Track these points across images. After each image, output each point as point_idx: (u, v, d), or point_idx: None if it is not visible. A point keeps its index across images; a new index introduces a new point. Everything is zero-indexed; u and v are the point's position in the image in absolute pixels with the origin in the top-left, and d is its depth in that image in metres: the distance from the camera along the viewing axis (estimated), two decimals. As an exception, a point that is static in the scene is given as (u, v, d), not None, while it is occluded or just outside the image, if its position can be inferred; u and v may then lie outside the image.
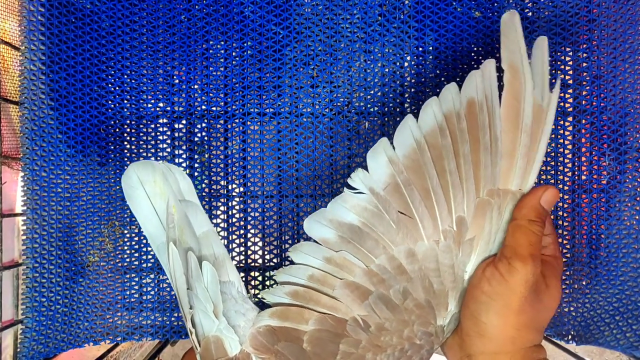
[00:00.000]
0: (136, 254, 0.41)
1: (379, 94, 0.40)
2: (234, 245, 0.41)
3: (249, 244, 0.41)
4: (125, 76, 0.40)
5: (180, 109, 0.40)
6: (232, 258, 0.41)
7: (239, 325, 0.32)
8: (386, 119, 0.40)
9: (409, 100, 0.40)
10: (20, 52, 0.37)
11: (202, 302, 0.31)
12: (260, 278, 0.41)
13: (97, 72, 0.39)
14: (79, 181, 0.39)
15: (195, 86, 0.40)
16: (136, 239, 0.41)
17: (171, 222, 0.31)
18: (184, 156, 0.41)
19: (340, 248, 0.31)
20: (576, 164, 0.40)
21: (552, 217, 0.40)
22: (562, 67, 0.39)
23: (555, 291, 0.31)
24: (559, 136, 0.39)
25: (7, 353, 0.37)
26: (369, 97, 0.40)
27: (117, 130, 0.40)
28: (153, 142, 0.41)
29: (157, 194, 0.32)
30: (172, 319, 0.41)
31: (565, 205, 0.40)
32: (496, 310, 0.29)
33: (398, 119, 0.40)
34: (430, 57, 0.40)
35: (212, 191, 0.41)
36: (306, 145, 0.40)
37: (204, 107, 0.40)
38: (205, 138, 0.41)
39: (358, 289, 0.31)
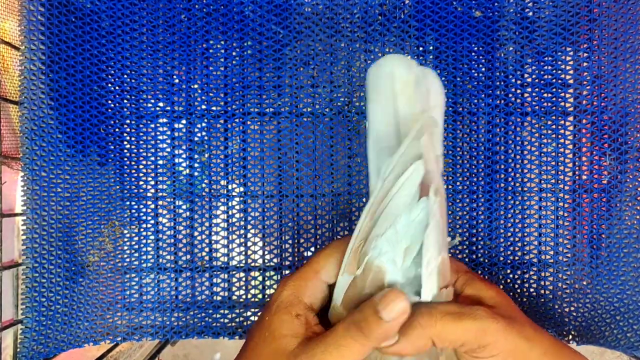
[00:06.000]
0: (136, 254, 0.41)
1: (379, 93, 0.40)
2: (234, 245, 0.41)
3: (249, 244, 0.41)
4: (125, 76, 0.40)
5: (180, 108, 0.40)
6: (232, 258, 0.41)
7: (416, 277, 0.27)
8: (386, 118, 0.40)
9: (409, 100, 0.40)
10: (20, 52, 0.37)
11: (397, 235, 0.26)
12: (260, 278, 0.41)
13: (97, 72, 0.39)
14: (79, 181, 0.39)
15: (195, 86, 0.40)
16: (136, 238, 0.41)
17: (418, 136, 0.26)
18: (183, 156, 0.41)
19: None
20: (577, 163, 0.40)
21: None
22: (563, 67, 0.39)
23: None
24: (560, 136, 0.39)
25: (7, 353, 0.37)
26: (369, 96, 0.40)
27: (117, 130, 0.40)
28: (153, 142, 0.41)
29: (404, 94, 0.28)
30: (172, 319, 0.41)
31: (566, 205, 0.40)
32: None
33: (398, 118, 0.40)
34: (431, 56, 0.39)
35: (212, 191, 0.41)
36: (306, 145, 0.40)
37: (204, 106, 0.40)
38: (205, 138, 0.41)
39: None
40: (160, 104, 0.40)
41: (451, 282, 0.30)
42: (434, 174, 0.26)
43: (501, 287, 0.40)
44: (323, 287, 0.29)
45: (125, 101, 0.40)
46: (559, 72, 0.39)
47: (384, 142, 0.28)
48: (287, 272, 0.41)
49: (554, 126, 0.39)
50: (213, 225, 0.41)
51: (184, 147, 0.41)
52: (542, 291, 0.40)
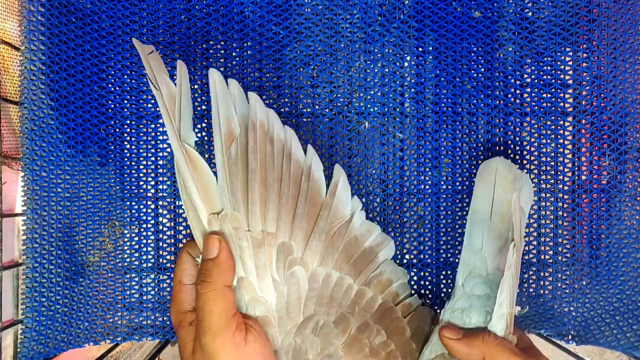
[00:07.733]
0: (136, 254, 0.41)
1: (379, 94, 0.40)
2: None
3: (249, 244, 0.41)
4: (126, 76, 0.40)
5: (180, 109, 0.40)
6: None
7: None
8: (386, 119, 0.40)
9: (409, 100, 0.40)
10: (20, 52, 0.37)
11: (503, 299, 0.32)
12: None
13: (97, 72, 0.39)
14: (79, 181, 0.39)
15: (195, 86, 0.40)
16: (136, 239, 0.41)
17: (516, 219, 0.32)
18: (184, 156, 0.41)
19: None
20: (576, 164, 0.40)
21: (550, 220, 0.40)
22: (562, 67, 0.39)
23: None
24: (559, 136, 0.39)
25: (7, 353, 0.37)
26: (369, 97, 0.40)
27: (117, 130, 0.40)
28: (153, 142, 0.41)
29: (502, 187, 0.36)
30: (172, 319, 0.41)
31: (566, 205, 0.40)
32: None
33: (398, 119, 0.40)
34: (430, 57, 0.40)
35: (212, 191, 0.41)
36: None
37: (204, 107, 0.40)
38: (205, 138, 0.41)
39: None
40: (161, 104, 0.40)
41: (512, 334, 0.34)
42: (518, 238, 0.31)
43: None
44: (191, 290, 0.32)
45: (125, 101, 0.40)
46: (559, 72, 0.39)
47: (480, 217, 0.36)
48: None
49: (553, 126, 0.39)
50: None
51: (184, 147, 0.41)
52: (542, 291, 0.40)
